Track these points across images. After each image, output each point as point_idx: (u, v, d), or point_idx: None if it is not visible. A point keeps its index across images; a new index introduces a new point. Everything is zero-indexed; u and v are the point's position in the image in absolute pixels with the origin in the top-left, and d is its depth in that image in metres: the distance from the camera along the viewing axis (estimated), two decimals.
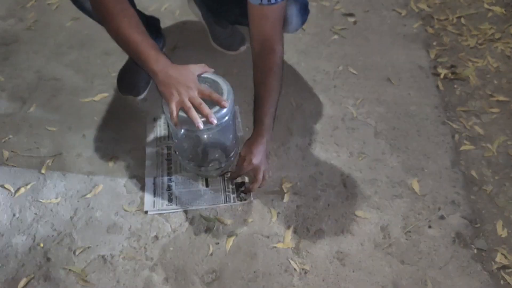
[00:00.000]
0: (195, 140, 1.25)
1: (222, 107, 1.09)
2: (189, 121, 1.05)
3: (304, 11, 1.40)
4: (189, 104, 1.05)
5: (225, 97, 1.11)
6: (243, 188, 1.33)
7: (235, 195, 1.32)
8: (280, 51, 1.23)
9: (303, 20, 1.42)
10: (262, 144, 1.22)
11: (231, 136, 1.28)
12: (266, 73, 1.23)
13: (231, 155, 1.32)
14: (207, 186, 1.35)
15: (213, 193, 1.33)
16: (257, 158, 1.22)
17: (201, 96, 1.07)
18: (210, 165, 1.31)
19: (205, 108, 1.05)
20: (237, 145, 1.34)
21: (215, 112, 1.07)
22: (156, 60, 1.08)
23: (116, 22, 1.09)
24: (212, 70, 1.16)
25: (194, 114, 1.04)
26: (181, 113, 1.06)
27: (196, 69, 1.12)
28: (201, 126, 1.05)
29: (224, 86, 1.14)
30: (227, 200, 1.32)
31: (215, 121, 1.06)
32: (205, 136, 1.22)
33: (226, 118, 1.13)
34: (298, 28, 1.44)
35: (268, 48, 1.21)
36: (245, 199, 1.31)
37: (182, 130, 1.14)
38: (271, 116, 1.23)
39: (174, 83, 1.06)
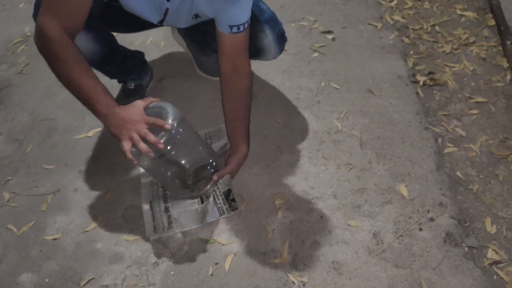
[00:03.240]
0: (167, 165, 1.28)
1: (165, 130, 1.12)
2: (142, 153, 1.09)
3: (281, 39, 1.47)
4: (137, 138, 1.09)
5: (170, 119, 1.15)
6: (231, 197, 1.37)
7: (227, 206, 1.36)
8: (250, 72, 1.34)
9: (281, 48, 1.49)
10: (243, 160, 1.42)
11: (200, 149, 1.33)
12: (239, 96, 1.35)
13: (214, 169, 1.36)
14: (202, 202, 1.39)
15: (210, 209, 1.37)
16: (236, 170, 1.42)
17: (147, 126, 1.10)
18: (198, 185, 1.35)
19: (151, 136, 1.09)
20: (214, 157, 1.38)
21: (162, 136, 1.12)
22: (106, 105, 1.11)
23: (67, 67, 1.11)
24: (158, 99, 1.19)
25: (142, 145, 1.08)
26: (134, 148, 1.10)
27: (141, 103, 1.15)
28: (152, 154, 1.09)
29: (169, 109, 1.18)
30: (221, 212, 1.35)
31: (162, 146, 1.10)
32: (174, 157, 1.24)
33: (178, 137, 1.17)
34: (276, 56, 1.51)
35: (240, 71, 1.31)
36: (236, 208, 1.34)
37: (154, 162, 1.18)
38: (248, 134, 1.42)
39: (122, 122, 1.10)
